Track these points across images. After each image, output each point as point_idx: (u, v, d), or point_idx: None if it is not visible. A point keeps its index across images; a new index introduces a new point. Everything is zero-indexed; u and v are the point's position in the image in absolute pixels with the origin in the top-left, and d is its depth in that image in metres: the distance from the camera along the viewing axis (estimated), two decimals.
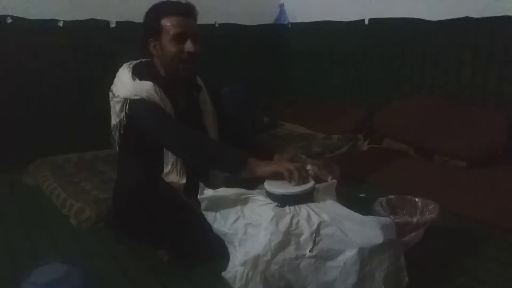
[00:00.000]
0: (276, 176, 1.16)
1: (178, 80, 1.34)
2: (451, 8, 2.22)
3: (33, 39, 2.25)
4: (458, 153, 2.00)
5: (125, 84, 1.25)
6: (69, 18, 2.33)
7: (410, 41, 2.46)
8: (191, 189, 1.20)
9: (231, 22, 2.98)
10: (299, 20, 3.17)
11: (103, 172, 2.04)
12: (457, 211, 1.56)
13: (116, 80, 1.30)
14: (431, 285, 1.17)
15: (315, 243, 1.00)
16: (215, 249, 1.18)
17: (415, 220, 1.24)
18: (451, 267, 1.26)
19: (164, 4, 1.29)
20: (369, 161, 2.14)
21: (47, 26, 2.28)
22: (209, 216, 1.11)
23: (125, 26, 2.48)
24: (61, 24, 2.32)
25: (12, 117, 2.24)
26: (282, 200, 1.09)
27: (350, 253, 0.99)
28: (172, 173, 1.29)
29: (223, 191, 1.12)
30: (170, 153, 1.29)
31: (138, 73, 1.27)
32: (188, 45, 1.26)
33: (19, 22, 2.20)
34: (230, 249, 1.10)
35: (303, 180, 1.13)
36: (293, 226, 1.03)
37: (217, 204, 1.11)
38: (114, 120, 1.30)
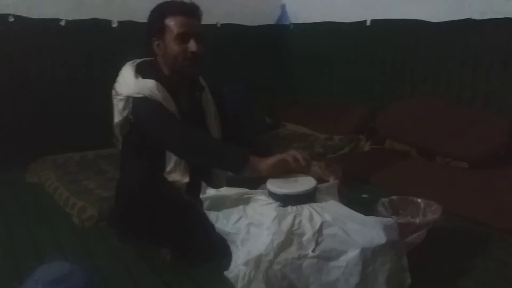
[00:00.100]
0: (280, 168, 1.16)
1: (181, 79, 1.35)
2: (452, 10, 2.22)
3: (35, 38, 2.25)
4: (460, 154, 1.99)
5: (128, 82, 1.26)
6: (71, 17, 2.34)
7: (411, 42, 2.46)
8: (194, 188, 1.20)
9: (233, 22, 2.98)
10: (301, 21, 3.17)
11: (106, 171, 2.04)
12: (459, 212, 1.56)
13: (119, 78, 1.30)
14: (433, 285, 1.17)
15: (317, 243, 1.00)
16: (218, 249, 1.18)
17: (417, 220, 1.24)
18: (453, 268, 1.26)
19: (169, 3, 1.30)
20: (371, 161, 2.14)
21: (49, 26, 2.29)
22: (212, 215, 1.11)
23: (127, 25, 2.48)
24: (63, 23, 2.33)
25: (14, 115, 2.25)
26: (285, 200, 1.09)
27: (352, 254, 0.99)
28: (175, 172, 1.29)
29: (225, 191, 1.12)
30: None
31: (141, 72, 1.28)
32: (192, 45, 1.26)
33: (21, 21, 2.20)
34: (233, 249, 1.10)
35: (307, 163, 1.15)
36: (296, 226, 1.02)
37: (220, 204, 1.11)
38: (116, 119, 1.30)
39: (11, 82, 2.23)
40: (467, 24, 2.16)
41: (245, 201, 1.11)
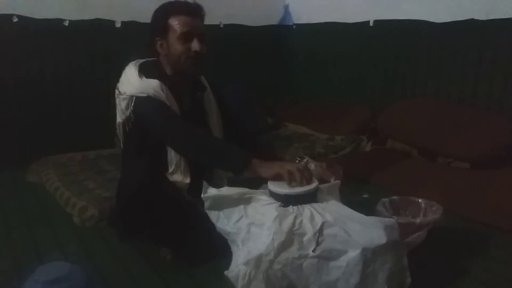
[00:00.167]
0: (279, 178, 1.16)
1: (184, 79, 1.35)
2: (456, 10, 2.22)
3: (39, 39, 2.26)
4: (462, 155, 1.99)
5: (132, 82, 1.26)
6: (74, 17, 2.35)
7: (414, 43, 2.45)
8: (195, 188, 1.20)
9: (235, 22, 2.99)
10: (303, 21, 3.17)
11: (107, 171, 2.04)
12: (460, 212, 1.56)
13: (122, 78, 1.31)
14: (434, 285, 1.17)
15: (318, 243, 1.00)
16: (218, 248, 1.18)
17: (418, 221, 1.24)
18: (454, 268, 1.26)
19: (172, 3, 1.31)
20: (373, 162, 2.14)
21: (52, 26, 2.29)
22: (213, 215, 1.12)
23: (130, 26, 2.49)
24: (66, 23, 2.34)
25: (16, 115, 2.26)
26: (286, 200, 1.09)
27: (353, 254, 0.99)
28: (176, 173, 1.29)
29: (226, 191, 1.12)
30: (174, 153, 1.29)
31: (144, 72, 1.28)
32: (195, 44, 1.27)
33: (25, 21, 2.21)
34: (233, 248, 1.10)
35: (306, 181, 1.13)
36: (296, 226, 1.03)
37: (221, 203, 1.11)
38: (119, 118, 1.31)
39: (13, 82, 2.23)
40: (470, 25, 2.16)
41: (246, 201, 1.11)
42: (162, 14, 1.30)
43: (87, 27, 2.39)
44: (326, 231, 1.02)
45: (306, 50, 3.17)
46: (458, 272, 1.23)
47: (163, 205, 1.21)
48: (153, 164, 1.24)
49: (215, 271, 1.20)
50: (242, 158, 1.19)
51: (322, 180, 1.23)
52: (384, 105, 2.51)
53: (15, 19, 2.20)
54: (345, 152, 2.40)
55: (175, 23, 1.26)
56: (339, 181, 1.26)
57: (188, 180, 1.30)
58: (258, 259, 1.01)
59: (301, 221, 1.03)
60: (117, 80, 1.33)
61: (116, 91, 1.31)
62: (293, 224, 1.03)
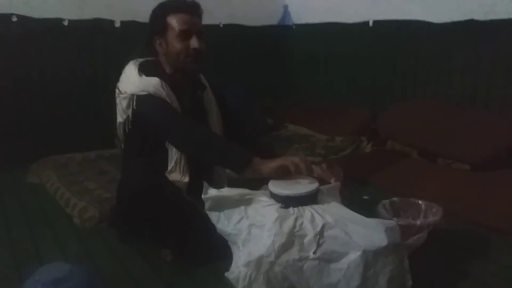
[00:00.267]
0: (281, 173, 1.16)
1: (183, 78, 1.35)
2: (455, 11, 2.22)
3: (38, 38, 2.26)
4: (462, 156, 1.99)
5: (132, 81, 1.26)
6: (74, 17, 2.35)
7: (414, 43, 2.45)
8: (195, 188, 1.20)
9: (235, 23, 2.99)
10: (303, 22, 3.17)
11: (107, 171, 2.04)
12: (460, 214, 1.55)
13: (122, 77, 1.31)
14: (434, 287, 1.17)
15: (318, 245, 1.00)
16: (219, 250, 1.18)
17: (418, 222, 1.24)
18: (454, 270, 1.26)
19: (170, 2, 1.31)
20: (373, 163, 2.14)
21: (52, 25, 2.29)
22: (213, 216, 1.11)
23: (129, 25, 2.49)
24: (66, 23, 2.34)
25: (16, 115, 2.25)
26: (286, 201, 1.09)
27: (354, 256, 0.98)
28: (175, 171, 1.30)
29: (227, 191, 1.12)
30: (174, 151, 1.30)
31: (144, 71, 1.29)
32: (194, 42, 1.27)
33: (24, 21, 2.21)
34: (234, 250, 1.10)
35: (309, 171, 1.13)
36: (297, 228, 1.02)
37: (221, 204, 1.11)
38: (120, 118, 1.31)
39: (13, 82, 2.23)
40: (470, 25, 2.16)
41: (247, 202, 1.11)
42: (160, 13, 1.30)
43: (87, 27, 2.38)
44: (326, 233, 1.02)
45: (306, 50, 3.17)
46: (459, 274, 1.23)
47: (164, 206, 1.21)
48: (153, 165, 1.24)
49: (215, 273, 1.20)
50: (243, 156, 1.19)
51: (322, 182, 1.22)
52: (384, 106, 2.51)
53: (14, 19, 2.19)
54: (345, 153, 2.40)
55: (174, 21, 1.27)
56: (340, 183, 1.26)
57: (187, 179, 1.30)
58: (259, 260, 1.01)
59: (302, 223, 1.03)
60: (117, 80, 1.33)
61: (117, 91, 1.31)
62: (294, 225, 1.03)
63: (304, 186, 1.13)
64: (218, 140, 1.29)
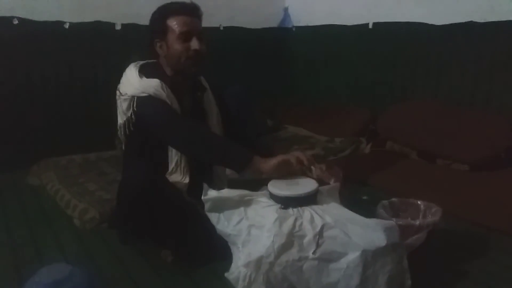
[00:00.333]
0: (282, 170, 1.16)
1: (184, 80, 1.36)
2: (454, 13, 2.23)
3: (39, 41, 2.27)
4: (461, 157, 2.00)
5: (133, 82, 1.27)
6: (75, 20, 2.35)
7: (413, 45, 2.46)
8: (195, 189, 1.21)
9: (235, 25, 3.00)
10: (303, 24, 3.18)
11: (107, 173, 2.05)
12: (459, 214, 1.56)
13: (123, 79, 1.32)
14: (434, 287, 1.17)
15: (318, 245, 1.01)
16: (219, 250, 1.18)
17: (417, 223, 1.24)
18: (453, 270, 1.26)
19: (170, 4, 1.32)
20: (372, 164, 2.14)
21: (53, 28, 2.30)
22: (213, 217, 1.12)
23: (130, 28, 2.49)
24: (67, 26, 2.35)
25: (17, 117, 2.26)
26: (286, 202, 1.09)
27: (353, 256, 0.99)
28: (176, 172, 1.30)
29: (226, 192, 1.12)
30: (174, 152, 1.30)
31: (144, 73, 1.29)
32: (194, 43, 1.28)
33: (25, 24, 2.22)
34: (234, 250, 1.10)
35: (311, 162, 1.15)
36: (297, 228, 1.03)
37: (221, 205, 1.11)
38: (120, 120, 1.32)
39: (14, 84, 2.24)
40: (469, 27, 2.17)
41: (246, 203, 1.12)
42: (160, 15, 1.31)
43: (87, 30, 2.39)
44: (326, 233, 1.02)
45: (306, 52, 3.18)
46: (458, 274, 1.23)
47: (164, 207, 1.21)
48: (153, 166, 1.25)
49: (215, 273, 1.21)
50: (244, 155, 1.20)
51: (322, 182, 1.23)
52: (384, 107, 2.52)
53: (15, 22, 2.20)
54: (345, 154, 2.40)
55: (174, 23, 1.28)
56: (339, 183, 1.26)
57: (187, 180, 1.31)
58: (259, 261, 1.01)
59: (301, 223, 1.04)
60: (118, 82, 1.33)
61: (117, 93, 1.32)
62: (293, 226, 1.03)
63: (303, 187, 1.13)
64: (218, 140, 1.30)
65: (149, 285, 1.22)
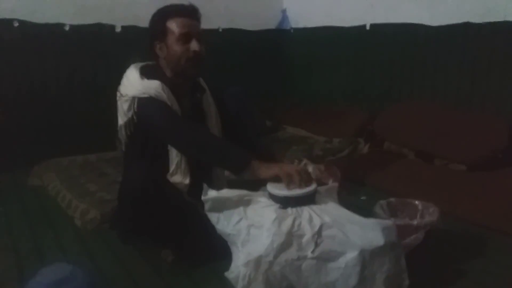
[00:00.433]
0: (278, 179, 1.18)
1: (183, 81, 1.37)
2: (452, 14, 2.24)
3: (40, 43, 2.28)
4: (458, 157, 2.01)
5: (133, 83, 1.28)
6: (75, 22, 2.37)
7: (411, 46, 2.48)
8: (195, 190, 1.22)
9: (234, 27, 3.01)
10: (301, 26, 3.20)
11: (108, 174, 2.06)
12: (457, 214, 1.57)
13: (124, 80, 1.33)
14: (431, 287, 1.18)
15: (316, 245, 1.02)
16: (218, 250, 1.19)
17: (415, 222, 1.25)
18: (451, 269, 1.27)
19: (169, 7, 1.33)
20: (370, 164, 2.15)
21: (53, 30, 2.31)
22: (213, 217, 1.13)
23: (130, 30, 2.51)
24: (67, 28, 2.36)
25: (18, 118, 2.27)
26: (285, 202, 1.10)
27: (351, 255, 1.00)
28: (176, 174, 1.31)
29: (226, 193, 1.13)
30: (175, 153, 1.31)
31: (145, 74, 1.30)
32: (194, 44, 1.29)
33: (26, 26, 2.23)
34: (233, 250, 1.11)
35: (304, 183, 1.14)
36: (295, 228, 1.04)
37: (220, 205, 1.12)
38: (121, 121, 1.32)
39: (15, 86, 2.25)
40: (466, 28, 2.18)
41: (246, 203, 1.12)
42: (159, 18, 1.32)
43: (88, 32, 2.40)
44: (324, 233, 1.03)
45: (304, 53, 3.19)
46: (455, 274, 1.24)
47: (164, 207, 1.22)
48: (154, 167, 1.26)
49: (215, 272, 1.22)
50: (242, 159, 1.21)
51: (320, 182, 1.24)
52: (381, 108, 2.53)
53: (16, 24, 2.21)
54: (343, 154, 2.42)
55: (173, 25, 1.29)
56: (337, 183, 1.27)
57: (187, 181, 1.31)
58: (258, 260, 1.02)
59: (300, 223, 1.04)
60: (118, 84, 1.34)
61: (118, 94, 1.32)
62: (292, 225, 1.04)
63: (302, 187, 1.14)
64: (217, 142, 1.31)
65: (149, 285, 1.23)
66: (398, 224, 1.17)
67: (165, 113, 1.26)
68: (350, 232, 1.04)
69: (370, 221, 1.09)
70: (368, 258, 1.01)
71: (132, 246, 1.40)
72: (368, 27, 2.69)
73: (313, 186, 1.15)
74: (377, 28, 2.65)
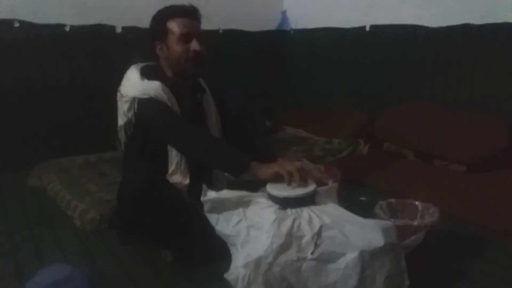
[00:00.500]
0: (278, 178, 1.17)
1: (184, 81, 1.37)
2: (451, 15, 2.25)
3: (40, 43, 2.29)
4: (458, 157, 2.01)
5: (134, 84, 1.29)
6: (75, 23, 2.37)
7: (410, 47, 2.48)
8: (195, 190, 1.22)
9: (234, 28, 3.02)
10: (301, 27, 3.20)
11: (108, 174, 2.06)
12: (457, 214, 1.57)
13: (124, 81, 1.33)
14: None
15: (316, 246, 1.01)
16: (218, 251, 1.19)
17: (415, 223, 1.26)
18: (451, 270, 1.27)
19: (169, 7, 1.33)
20: (370, 165, 2.15)
21: (53, 31, 2.32)
22: (212, 218, 1.13)
23: (131, 31, 2.51)
24: (67, 28, 2.36)
25: (18, 119, 2.27)
26: (284, 203, 1.10)
27: (351, 256, 1.00)
28: (176, 174, 1.31)
29: (225, 194, 1.13)
30: (174, 154, 1.31)
31: (146, 74, 1.31)
32: (194, 44, 1.29)
33: (26, 27, 2.23)
34: (233, 251, 1.11)
35: (304, 181, 1.14)
36: (295, 229, 1.03)
37: (220, 206, 1.12)
38: (121, 121, 1.33)
39: (15, 86, 2.25)
40: (466, 29, 2.19)
41: (245, 204, 1.12)
42: (160, 18, 1.32)
43: (88, 32, 2.41)
44: (324, 234, 1.03)
45: (304, 54, 3.20)
46: (456, 275, 1.24)
47: (164, 207, 1.22)
48: (154, 167, 1.26)
49: (215, 274, 1.21)
50: (241, 161, 1.21)
51: (320, 183, 1.24)
52: (381, 108, 2.54)
53: (16, 24, 2.22)
54: (343, 155, 2.42)
55: (174, 25, 1.29)
56: (337, 184, 1.27)
57: (187, 181, 1.32)
58: (257, 261, 1.02)
59: (300, 224, 1.04)
60: (118, 84, 1.34)
61: (118, 94, 1.33)
62: (292, 226, 1.04)
63: (301, 188, 1.14)
64: (217, 144, 1.31)
65: (149, 285, 1.23)
66: (398, 224, 1.17)
67: (165, 114, 1.26)
68: (350, 233, 1.03)
69: (370, 222, 1.08)
70: (368, 259, 1.00)
71: (132, 247, 1.40)
72: (368, 28, 2.70)
73: (312, 187, 1.15)
74: (377, 29, 2.65)
